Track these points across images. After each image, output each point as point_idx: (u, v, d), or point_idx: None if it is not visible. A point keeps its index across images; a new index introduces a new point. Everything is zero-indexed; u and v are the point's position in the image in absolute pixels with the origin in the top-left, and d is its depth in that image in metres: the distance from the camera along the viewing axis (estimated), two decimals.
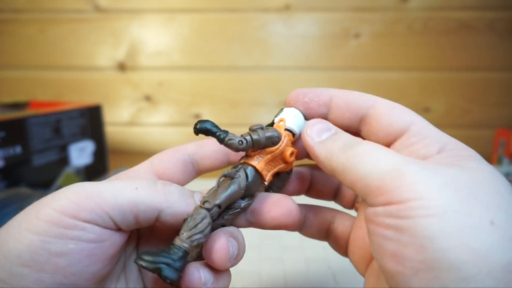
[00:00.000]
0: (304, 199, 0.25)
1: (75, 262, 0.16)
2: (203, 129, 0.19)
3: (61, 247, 0.16)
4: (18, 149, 0.49)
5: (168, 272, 0.17)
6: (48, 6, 0.77)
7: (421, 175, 0.15)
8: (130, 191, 0.18)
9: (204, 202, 0.18)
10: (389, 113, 0.20)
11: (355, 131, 0.21)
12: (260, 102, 0.80)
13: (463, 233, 0.14)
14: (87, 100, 0.80)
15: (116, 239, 0.18)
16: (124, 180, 0.18)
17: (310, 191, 0.25)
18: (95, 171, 0.62)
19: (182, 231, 0.18)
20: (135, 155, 0.79)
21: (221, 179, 0.20)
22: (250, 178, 0.20)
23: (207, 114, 0.81)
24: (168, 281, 0.17)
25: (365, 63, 0.77)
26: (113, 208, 0.17)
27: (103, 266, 0.18)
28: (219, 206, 0.19)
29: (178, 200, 0.19)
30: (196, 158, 0.23)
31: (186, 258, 0.18)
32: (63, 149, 0.56)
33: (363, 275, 0.22)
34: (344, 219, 0.24)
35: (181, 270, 0.17)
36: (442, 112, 0.78)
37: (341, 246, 0.24)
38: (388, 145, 0.20)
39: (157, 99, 0.81)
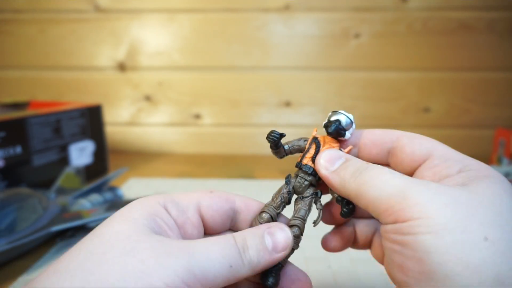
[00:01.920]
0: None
1: None
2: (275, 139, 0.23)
3: None
4: (18, 149, 0.49)
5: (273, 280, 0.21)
6: (48, 6, 0.77)
7: (423, 196, 0.17)
8: (226, 270, 0.18)
9: (293, 227, 0.22)
10: (411, 142, 0.22)
11: (385, 164, 0.23)
12: (260, 102, 0.80)
13: (457, 248, 0.16)
14: (87, 100, 0.80)
15: None
16: (219, 250, 0.19)
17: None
18: (95, 171, 0.62)
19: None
20: (135, 155, 0.79)
21: (297, 201, 0.24)
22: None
23: (207, 114, 0.81)
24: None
25: (365, 63, 0.77)
26: (211, 285, 0.18)
27: None
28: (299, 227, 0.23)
29: (258, 263, 0.19)
30: (238, 217, 0.23)
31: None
32: (63, 149, 0.56)
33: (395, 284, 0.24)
34: None
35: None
36: (442, 112, 0.78)
37: (380, 255, 0.25)
38: (413, 171, 0.22)
39: (157, 99, 0.81)
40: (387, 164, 0.23)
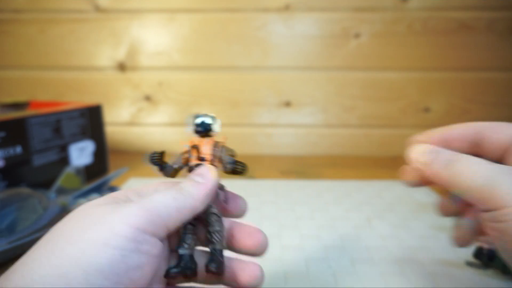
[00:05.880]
0: None
1: (145, 275, 0.19)
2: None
3: (137, 260, 0.18)
4: (18, 149, 0.49)
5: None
6: (48, 6, 0.77)
7: (509, 186, 0.19)
8: (172, 202, 0.21)
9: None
10: (495, 131, 0.24)
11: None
12: (260, 102, 0.80)
13: None
14: (87, 100, 0.80)
15: (165, 253, 0.21)
16: (161, 193, 0.21)
17: None
18: (95, 171, 0.62)
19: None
20: (135, 155, 0.79)
21: None
22: None
23: None
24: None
25: (365, 63, 0.77)
26: (167, 217, 0.20)
27: (155, 277, 0.20)
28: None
29: (198, 193, 0.22)
30: None
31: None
32: (63, 149, 0.56)
33: None
34: None
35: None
36: (442, 112, 0.78)
37: None
38: (501, 157, 0.24)
39: (157, 99, 0.81)
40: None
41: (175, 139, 0.82)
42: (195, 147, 0.25)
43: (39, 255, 0.18)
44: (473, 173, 0.21)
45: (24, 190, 0.43)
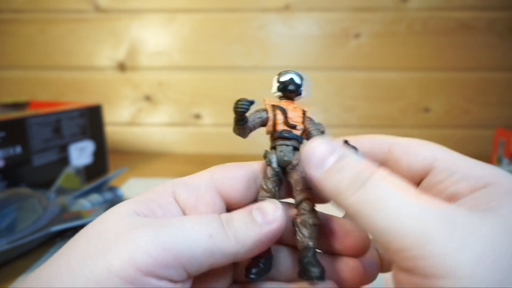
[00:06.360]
0: None
1: None
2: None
3: None
4: (18, 149, 0.49)
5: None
6: (48, 6, 0.77)
7: (451, 243, 0.13)
8: (205, 240, 0.16)
9: (302, 202, 0.19)
10: (406, 153, 0.18)
11: None
12: (260, 102, 0.80)
13: None
14: (87, 100, 0.79)
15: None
16: (196, 221, 0.17)
17: None
18: (95, 171, 0.62)
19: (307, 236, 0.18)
20: (135, 155, 0.79)
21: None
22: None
23: (207, 114, 0.81)
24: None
25: (365, 63, 0.77)
26: (189, 261, 0.16)
27: None
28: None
29: (246, 236, 0.17)
30: (261, 176, 0.20)
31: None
32: (63, 149, 0.56)
33: None
34: None
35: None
36: (442, 112, 0.78)
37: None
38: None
39: (157, 99, 0.81)
40: None
41: (175, 139, 0.82)
42: (281, 109, 0.21)
43: (39, 277, 0.16)
44: (395, 210, 0.14)
45: (24, 190, 0.43)
